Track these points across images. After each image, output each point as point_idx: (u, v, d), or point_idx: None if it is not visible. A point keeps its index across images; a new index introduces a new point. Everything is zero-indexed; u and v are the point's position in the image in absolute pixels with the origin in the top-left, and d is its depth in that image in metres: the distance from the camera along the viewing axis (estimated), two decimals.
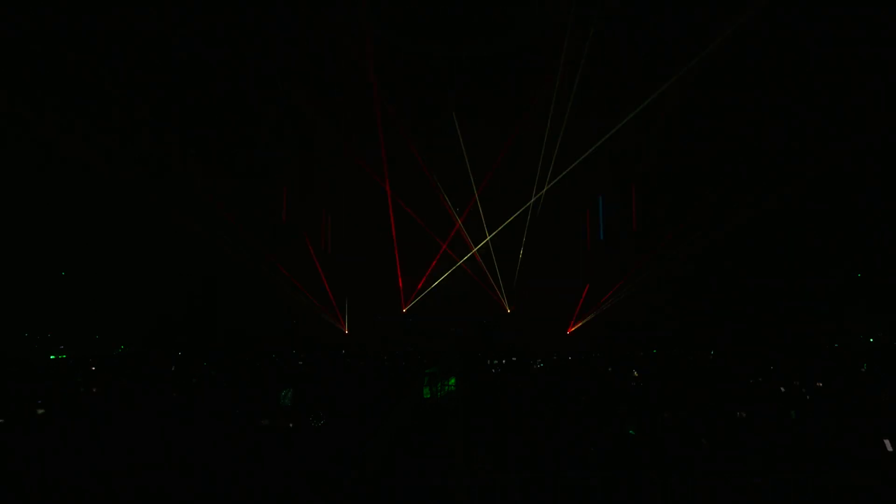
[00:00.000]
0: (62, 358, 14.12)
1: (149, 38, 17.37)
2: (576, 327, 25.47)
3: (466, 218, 29.46)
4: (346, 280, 24.78)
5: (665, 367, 11.36)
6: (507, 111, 23.12)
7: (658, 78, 20.42)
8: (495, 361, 12.08)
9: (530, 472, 4.00)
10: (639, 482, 3.91)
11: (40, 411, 5.64)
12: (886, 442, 4.30)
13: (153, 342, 19.39)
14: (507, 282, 27.66)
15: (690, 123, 20.66)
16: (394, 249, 26.76)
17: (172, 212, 20.27)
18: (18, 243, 17.14)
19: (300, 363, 12.40)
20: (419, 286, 27.90)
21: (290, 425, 5.15)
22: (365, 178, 24.09)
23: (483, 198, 27.10)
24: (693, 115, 20.40)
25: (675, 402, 6.43)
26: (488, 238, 27.13)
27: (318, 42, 19.30)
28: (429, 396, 8.67)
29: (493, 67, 22.68)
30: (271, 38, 19.07)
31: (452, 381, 8.95)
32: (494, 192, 26.07)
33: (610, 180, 23.84)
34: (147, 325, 20.59)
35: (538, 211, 24.28)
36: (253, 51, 19.10)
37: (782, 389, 7.44)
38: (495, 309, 29.09)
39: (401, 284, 27.69)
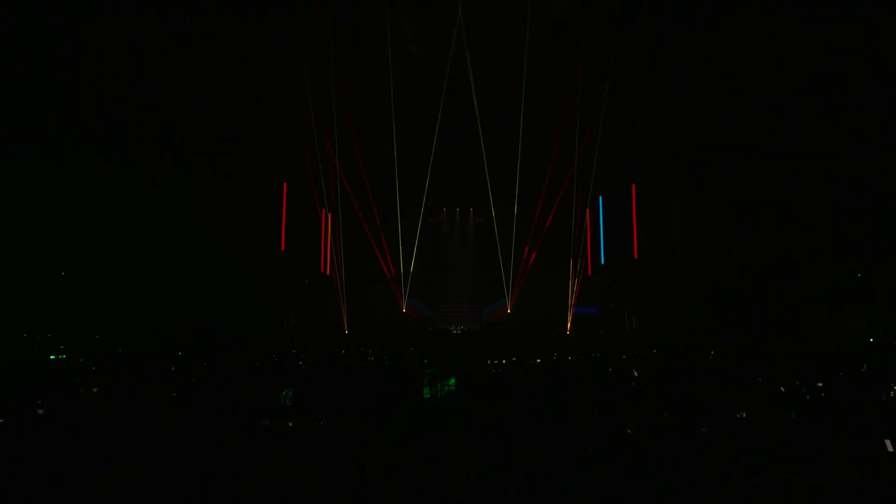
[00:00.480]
0: (62, 358, 14.12)
1: (146, 35, 17.37)
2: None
3: (468, 217, 29.43)
4: (346, 283, 24.83)
5: (665, 366, 11.36)
6: (509, 110, 23.16)
7: (657, 77, 20.42)
8: (495, 361, 12.07)
9: (530, 472, 3.99)
10: (639, 482, 3.90)
11: (40, 411, 5.63)
12: (887, 442, 4.29)
13: (153, 342, 19.39)
14: (508, 282, 27.67)
15: (687, 123, 20.68)
16: (394, 249, 26.76)
17: (172, 211, 20.29)
18: (18, 243, 17.14)
19: (300, 363, 12.39)
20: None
21: (290, 425, 5.14)
22: (364, 176, 24.12)
23: (484, 197, 27.09)
24: (690, 114, 20.41)
25: (675, 401, 6.43)
26: (495, 233, 27.26)
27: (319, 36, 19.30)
28: (429, 396, 8.66)
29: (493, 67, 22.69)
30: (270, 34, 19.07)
31: (452, 381, 8.94)
32: (496, 191, 26.08)
33: (610, 180, 23.90)
34: (147, 325, 20.59)
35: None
36: (252, 47, 19.11)
37: (782, 389, 7.44)
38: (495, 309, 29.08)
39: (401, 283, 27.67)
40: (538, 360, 12.20)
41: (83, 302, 19.46)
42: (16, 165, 17.27)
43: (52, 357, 14.25)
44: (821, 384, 7.78)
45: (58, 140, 17.91)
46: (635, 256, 23.02)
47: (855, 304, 20.10)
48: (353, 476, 4.30)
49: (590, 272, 25.08)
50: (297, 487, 3.97)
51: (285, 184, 22.79)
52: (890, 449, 4.26)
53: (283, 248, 22.45)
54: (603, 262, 24.53)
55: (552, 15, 19.64)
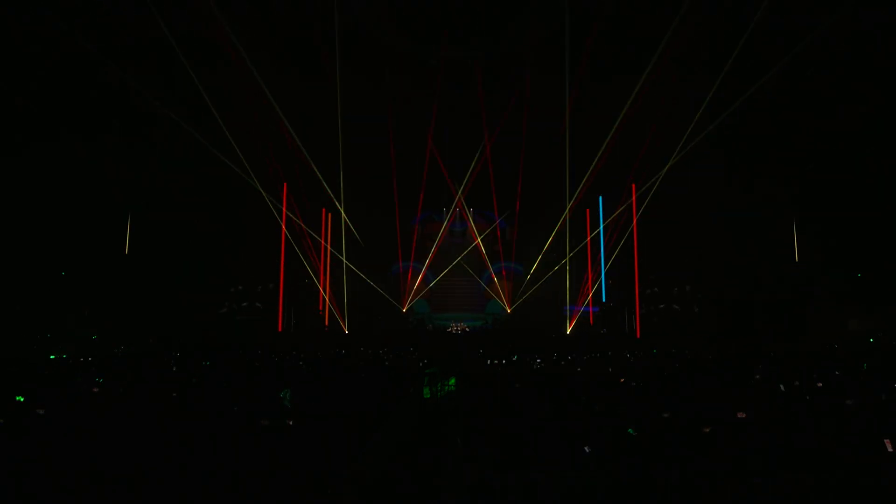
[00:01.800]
0: (63, 358, 14.13)
1: (145, 36, 17.36)
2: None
3: (467, 217, 29.44)
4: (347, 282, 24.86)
5: (665, 366, 11.36)
6: (511, 112, 23.18)
7: (656, 75, 20.36)
8: (495, 361, 12.07)
9: (530, 472, 3.99)
10: (639, 482, 3.90)
11: (40, 411, 5.63)
12: (887, 442, 4.29)
13: (154, 342, 19.39)
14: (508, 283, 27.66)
15: (686, 124, 20.65)
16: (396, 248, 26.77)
17: (173, 212, 20.29)
18: (18, 243, 17.15)
19: (300, 363, 12.39)
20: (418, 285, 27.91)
21: (290, 425, 5.14)
22: (368, 178, 24.14)
23: (485, 198, 27.10)
24: (689, 115, 20.37)
25: (675, 401, 6.43)
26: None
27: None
28: (429, 396, 8.67)
29: (496, 69, 22.70)
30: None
31: (452, 381, 8.95)
32: (498, 192, 26.11)
33: (610, 180, 23.90)
34: (147, 325, 20.60)
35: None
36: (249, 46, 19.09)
37: (782, 389, 7.44)
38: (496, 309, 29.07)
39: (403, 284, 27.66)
40: (539, 362, 12.21)
41: (83, 302, 19.46)
42: (16, 165, 17.28)
43: (52, 357, 14.25)
44: (821, 384, 7.78)
45: (61, 142, 17.93)
46: (635, 261, 23.08)
47: (855, 304, 20.10)
48: (353, 476, 4.31)
49: (590, 272, 25.12)
50: (297, 487, 3.97)
51: (285, 184, 22.79)
52: (890, 449, 4.26)
53: (282, 248, 22.48)
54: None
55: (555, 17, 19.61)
